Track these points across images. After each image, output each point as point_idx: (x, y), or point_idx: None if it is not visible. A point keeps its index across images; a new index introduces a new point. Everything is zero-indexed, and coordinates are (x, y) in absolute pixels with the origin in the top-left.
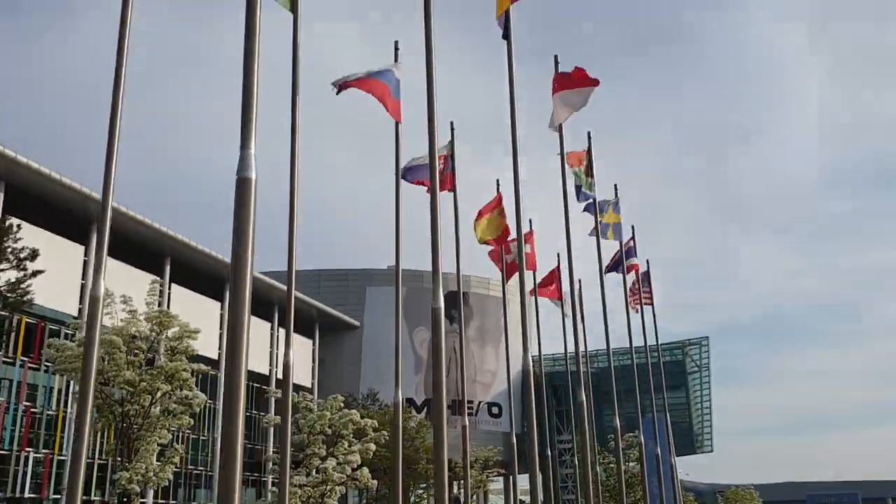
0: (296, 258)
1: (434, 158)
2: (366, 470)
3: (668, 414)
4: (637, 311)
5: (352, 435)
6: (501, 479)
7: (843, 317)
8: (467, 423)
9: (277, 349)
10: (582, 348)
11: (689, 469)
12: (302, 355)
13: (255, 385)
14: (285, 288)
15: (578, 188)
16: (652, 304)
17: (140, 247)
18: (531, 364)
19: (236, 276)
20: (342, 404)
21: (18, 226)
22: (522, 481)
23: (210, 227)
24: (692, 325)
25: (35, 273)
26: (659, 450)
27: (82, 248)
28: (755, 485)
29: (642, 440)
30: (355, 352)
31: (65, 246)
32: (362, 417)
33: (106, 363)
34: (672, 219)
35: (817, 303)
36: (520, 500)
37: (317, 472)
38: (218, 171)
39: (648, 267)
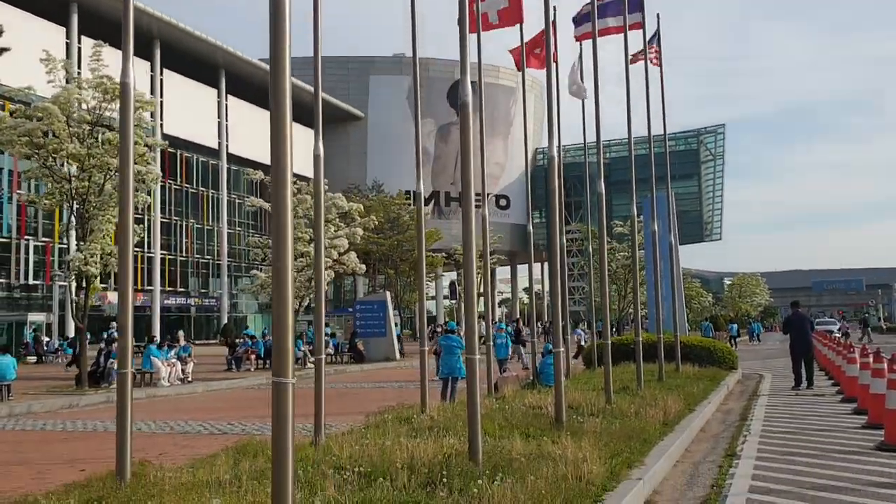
0: (321, 44)
1: None
2: (353, 255)
3: (671, 194)
4: (635, 63)
5: (338, 219)
6: (508, 269)
7: (863, 109)
8: (487, 213)
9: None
10: (593, 138)
11: (698, 260)
12: (304, 146)
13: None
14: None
15: None
16: (660, 65)
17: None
18: (554, 152)
19: (276, 78)
20: (325, 188)
21: None
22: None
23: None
24: (707, 119)
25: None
26: (656, 226)
27: (61, 28)
28: (762, 272)
29: (636, 215)
30: (360, 143)
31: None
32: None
33: (49, 137)
34: (687, 7)
35: (838, 94)
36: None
37: (301, 257)
38: None
39: (659, 22)
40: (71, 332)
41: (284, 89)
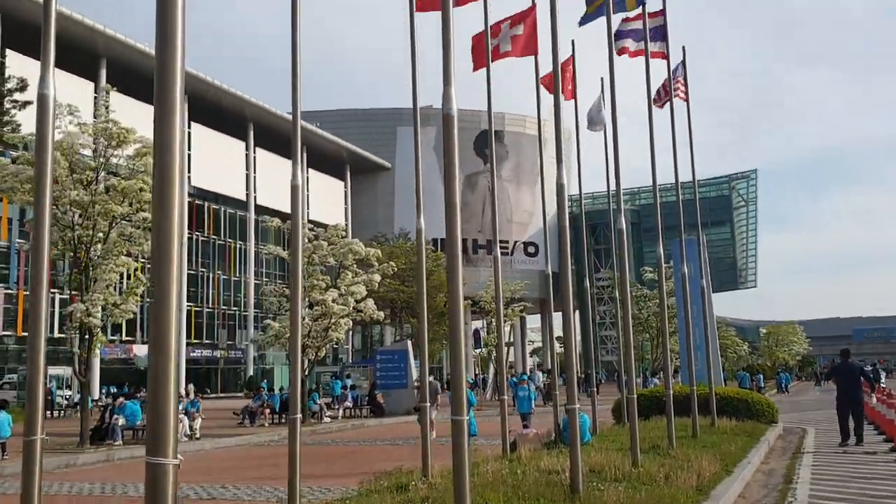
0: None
1: None
2: (370, 302)
3: (701, 238)
4: (660, 107)
5: (356, 266)
6: (539, 317)
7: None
8: (499, 256)
9: (308, 191)
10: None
11: (733, 308)
12: (333, 196)
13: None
14: (312, 128)
15: None
16: (687, 99)
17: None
18: (565, 188)
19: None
20: (343, 233)
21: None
22: (559, 319)
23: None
24: (740, 166)
25: (25, 104)
26: (686, 269)
27: (89, 82)
28: (800, 321)
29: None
30: (388, 193)
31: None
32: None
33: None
34: (717, 53)
35: (872, 139)
36: (556, 336)
37: (317, 305)
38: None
39: (684, 55)
40: (95, 387)
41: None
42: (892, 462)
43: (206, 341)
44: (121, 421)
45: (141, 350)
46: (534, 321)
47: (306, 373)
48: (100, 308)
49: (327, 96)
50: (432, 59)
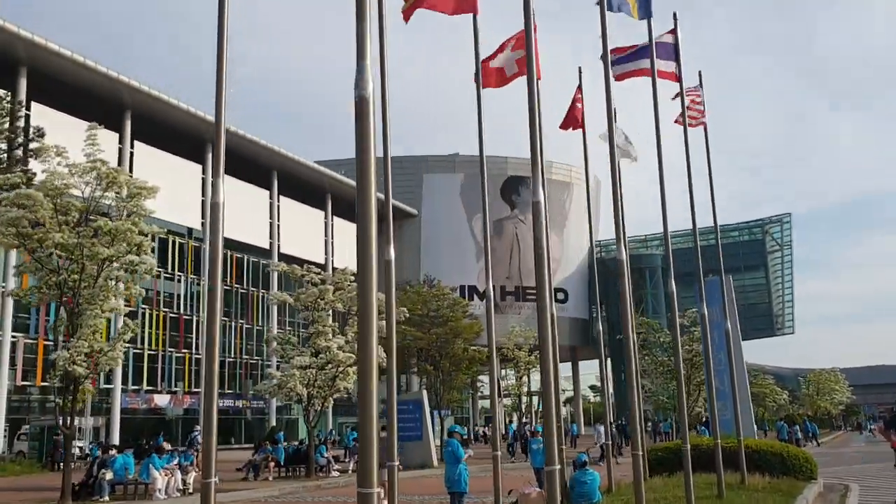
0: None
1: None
2: (380, 349)
3: (725, 280)
4: (693, 127)
5: None
6: (570, 364)
7: None
8: (554, 310)
9: (333, 238)
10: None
11: (772, 355)
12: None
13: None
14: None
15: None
16: (705, 125)
17: (190, 136)
18: (623, 251)
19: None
20: (352, 278)
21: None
22: (590, 368)
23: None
24: (772, 211)
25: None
26: (705, 307)
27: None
28: (842, 368)
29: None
30: (414, 240)
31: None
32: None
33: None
34: (750, 96)
35: None
36: (590, 385)
37: (322, 353)
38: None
39: (701, 78)
40: (116, 438)
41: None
42: None
43: (228, 391)
44: (108, 475)
45: (162, 400)
46: (563, 369)
47: (314, 423)
48: (84, 355)
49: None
50: (454, 108)
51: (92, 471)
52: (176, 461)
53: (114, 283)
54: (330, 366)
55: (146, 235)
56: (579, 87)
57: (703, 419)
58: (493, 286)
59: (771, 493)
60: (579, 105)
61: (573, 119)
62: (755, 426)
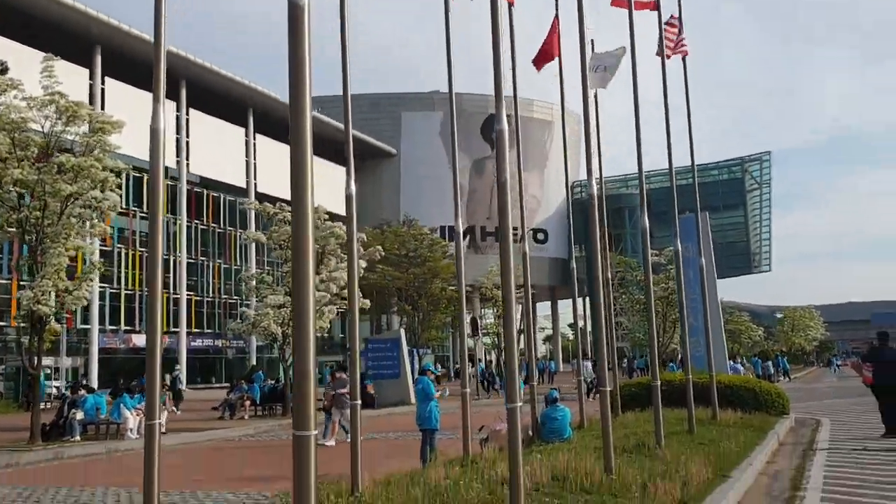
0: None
1: None
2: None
3: (699, 216)
4: (669, 58)
5: (339, 250)
6: (549, 304)
7: None
8: (528, 249)
9: (312, 177)
10: (609, 172)
11: (748, 292)
12: (336, 184)
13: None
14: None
15: None
16: (684, 56)
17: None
18: (594, 185)
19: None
20: (326, 216)
21: None
22: (570, 306)
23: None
24: (754, 150)
25: None
26: (679, 242)
27: (84, 69)
28: (817, 305)
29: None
30: (394, 180)
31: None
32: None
33: None
34: (733, 32)
35: (881, 122)
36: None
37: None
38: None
39: (680, 7)
40: (94, 379)
41: (305, 125)
42: None
43: (208, 331)
44: (79, 415)
45: (140, 340)
46: (542, 308)
47: (289, 362)
48: (51, 295)
49: (329, 81)
50: (436, 44)
51: (62, 411)
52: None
53: (77, 220)
54: None
55: (112, 171)
56: (556, 17)
57: (679, 356)
58: (474, 226)
59: (742, 429)
60: (555, 36)
61: (547, 53)
62: (729, 362)
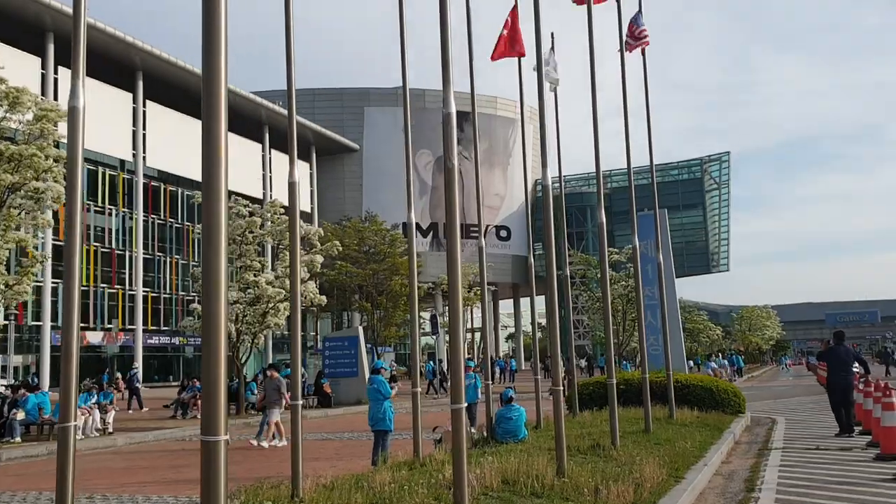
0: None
1: None
2: (311, 285)
3: (658, 214)
4: (630, 52)
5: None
6: (511, 301)
7: (865, 140)
8: (483, 244)
9: (271, 172)
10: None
11: (706, 293)
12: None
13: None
14: (275, 107)
15: None
16: (643, 49)
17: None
18: (549, 177)
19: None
20: (282, 211)
21: None
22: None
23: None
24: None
25: None
26: (637, 239)
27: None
28: (773, 305)
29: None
30: (356, 175)
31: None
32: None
33: None
34: (689, 38)
35: (838, 125)
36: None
37: (250, 288)
38: None
39: (640, 5)
40: (46, 377)
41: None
42: (870, 461)
43: (165, 328)
44: (20, 416)
45: (95, 337)
46: (505, 306)
47: (243, 361)
48: None
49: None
50: (397, 39)
51: (2, 412)
52: (94, 400)
53: (17, 212)
54: (260, 301)
55: (56, 161)
56: (514, 9)
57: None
58: (437, 223)
59: (699, 427)
60: (507, 31)
61: (505, 45)
62: (688, 362)
